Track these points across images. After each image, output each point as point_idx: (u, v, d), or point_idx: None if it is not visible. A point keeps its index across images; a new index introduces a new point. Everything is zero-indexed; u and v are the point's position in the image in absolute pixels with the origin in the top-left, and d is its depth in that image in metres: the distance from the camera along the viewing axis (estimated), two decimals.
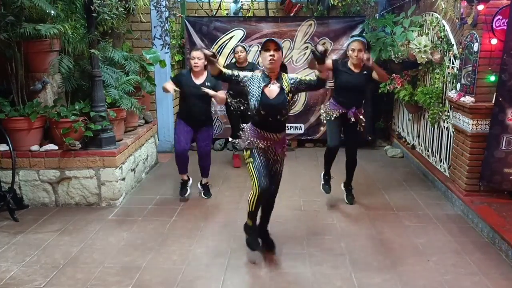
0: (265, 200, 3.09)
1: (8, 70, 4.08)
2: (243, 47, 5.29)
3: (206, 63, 4.06)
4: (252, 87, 2.98)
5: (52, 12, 3.92)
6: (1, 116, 3.98)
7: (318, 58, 2.76)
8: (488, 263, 3.14)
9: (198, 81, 4.14)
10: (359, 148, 4.26)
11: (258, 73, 3.05)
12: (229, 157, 5.89)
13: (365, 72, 3.89)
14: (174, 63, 6.35)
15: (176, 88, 4.10)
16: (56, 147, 4.20)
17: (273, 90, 2.96)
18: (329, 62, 3.94)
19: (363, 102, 4.08)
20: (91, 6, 3.85)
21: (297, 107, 6.47)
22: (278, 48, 2.88)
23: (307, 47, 6.38)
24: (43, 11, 3.91)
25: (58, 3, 4.21)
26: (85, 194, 4.24)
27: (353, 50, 3.82)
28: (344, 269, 3.08)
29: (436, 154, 4.98)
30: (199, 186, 4.54)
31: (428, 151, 5.27)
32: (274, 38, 2.92)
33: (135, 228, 3.77)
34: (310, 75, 3.09)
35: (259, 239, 3.29)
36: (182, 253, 3.32)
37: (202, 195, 4.47)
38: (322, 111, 4.19)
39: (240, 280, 2.96)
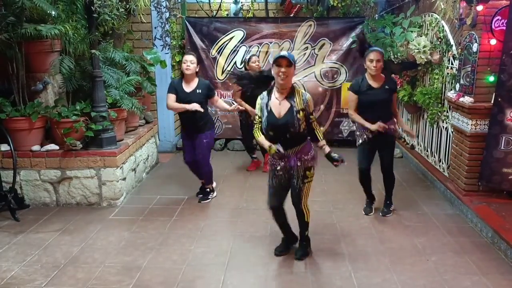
0: (277, 215, 3.14)
1: (9, 71, 4.09)
2: (258, 56, 5.19)
3: (197, 69, 4.08)
4: (263, 110, 2.94)
5: (53, 12, 3.94)
6: (2, 116, 4.00)
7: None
8: (487, 263, 3.15)
9: (189, 88, 4.07)
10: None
11: (265, 92, 2.99)
12: (229, 157, 5.89)
13: (387, 86, 3.72)
14: (174, 63, 6.36)
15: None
16: (57, 147, 4.22)
17: (282, 107, 2.88)
18: (353, 97, 3.79)
19: (391, 113, 3.83)
20: (92, 7, 3.87)
21: None
22: (290, 64, 2.80)
23: (307, 48, 6.39)
24: (44, 11, 3.92)
25: (59, 4, 4.22)
26: (86, 194, 4.25)
27: (371, 60, 3.63)
28: (344, 269, 3.09)
29: (436, 154, 5.00)
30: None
31: (427, 151, 5.28)
32: (286, 55, 2.80)
33: (136, 228, 3.78)
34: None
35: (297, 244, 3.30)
36: (182, 253, 3.33)
37: (199, 199, 4.41)
38: (356, 132, 3.96)
39: (240, 280, 2.97)
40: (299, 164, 2.96)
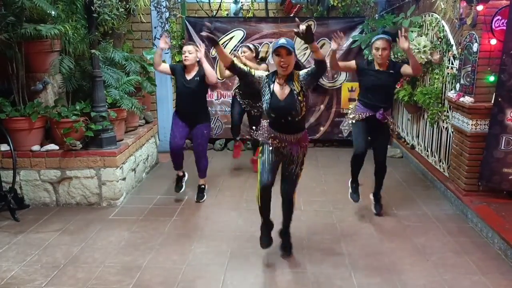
0: (266, 195, 3.00)
1: (9, 71, 4.09)
2: (248, 46, 4.99)
3: (198, 58, 4.05)
4: (265, 89, 2.93)
5: (53, 12, 3.94)
6: (2, 116, 3.99)
7: (303, 38, 2.63)
8: (487, 263, 3.15)
9: (189, 76, 4.10)
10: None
11: (270, 72, 2.98)
12: (229, 157, 5.88)
13: (391, 71, 3.66)
14: (174, 63, 6.35)
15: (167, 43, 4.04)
16: (57, 147, 4.21)
17: (284, 91, 2.89)
18: (352, 62, 3.85)
19: (391, 103, 3.80)
20: (92, 7, 3.87)
21: None
22: (290, 52, 2.78)
23: (307, 48, 6.39)
24: (44, 11, 3.92)
25: (58, 4, 4.22)
26: (86, 194, 4.25)
27: (377, 49, 3.59)
28: (344, 269, 3.09)
29: (436, 154, 4.99)
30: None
31: (427, 151, 5.28)
32: (285, 44, 2.76)
33: (136, 228, 3.78)
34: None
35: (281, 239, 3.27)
36: (182, 253, 3.33)
37: (195, 197, 4.38)
38: (349, 114, 3.95)
39: (240, 280, 2.97)
40: (299, 150, 3.01)
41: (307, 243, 3.48)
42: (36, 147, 4.18)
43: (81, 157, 4.17)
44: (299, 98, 2.87)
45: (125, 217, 4.03)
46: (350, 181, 4.08)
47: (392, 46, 3.84)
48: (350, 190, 4.08)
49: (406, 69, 3.62)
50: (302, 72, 2.91)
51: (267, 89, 2.92)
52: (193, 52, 4.03)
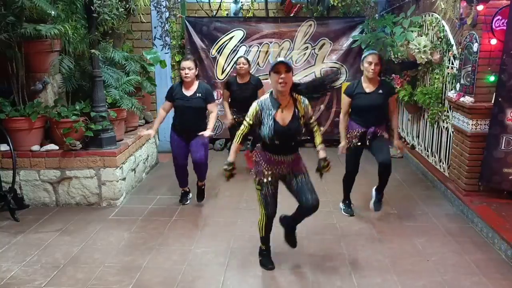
0: (271, 225, 3.05)
1: (8, 70, 4.09)
2: (247, 59, 4.98)
3: (197, 73, 3.98)
4: (264, 117, 2.83)
5: (53, 12, 3.93)
6: (1, 116, 3.99)
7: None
8: (487, 263, 3.15)
9: (189, 92, 3.98)
10: None
11: (266, 97, 2.88)
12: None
13: (380, 91, 3.67)
14: (174, 63, 6.36)
15: (151, 135, 4.13)
16: (57, 147, 4.21)
17: (285, 115, 2.82)
18: (346, 100, 3.79)
19: (385, 119, 3.80)
20: (92, 7, 3.87)
21: None
22: (289, 69, 2.73)
23: (307, 47, 6.39)
24: (44, 11, 3.92)
25: (58, 4, 4.21)
26: (86, 194, 4.25)
27: (369, 63, 3.59)
28: (344, 269, 3.08)
29: (436, 154, 4.99)
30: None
31: (427, 151, 5.28)
32: (284, 60, 2.74)
33: (136, 228, 3.78)
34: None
35: (285, 231, 3.22)
36: (182, 253, 3.33)
37: (195, 198, 4.34)
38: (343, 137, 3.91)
39: (240, 280, 2.97)
40: (300, 163, 2.99)
41: (307, 243, 3.47)
42: (36, 147, 4.18)
43: (81, 157, 4.17)
44: (301, 121, 2.85)
45: (125, 217, 4.03)
46: (342, 200, 4.14)
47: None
48: (343, 207, 4.12)
49: (391, 102, 3.75)
50: (307, 103, 2.90)
51: (267, 116, 2.82)
52: (193, 68, 3.91)
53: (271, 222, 3.02)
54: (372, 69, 3.59)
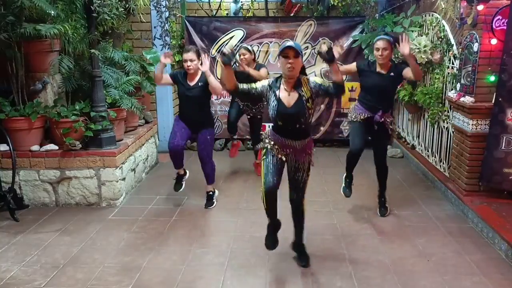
0: (272, 197, 2.91)
1: (8, 70, 4.08)
2: (247, 48, 4.81)
3: (200, 63, 3.89)
4: (270, 96, 2.85)
5: (52, 12, 3.93)
6: (1, 116, 3.99)
7: (326, 59, 2.66)
8: (488, 263, 3.14)
9: (192, 82, 3.99)
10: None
11: (275, 78, 2.88)
12: (229, 157, 5.86)
13: (392, 73, 3.66)
14: (174, 63, 6.35)
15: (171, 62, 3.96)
16: (57, 147, 4.21)
17: (291, 97, 2.80)
18: (353, 65, 3.83)
19: (391, 105, 3.82)
20: (91, 6, 3.86)
21: None
22: (297, 54, 2.69)
23: (307, 47, 6.38)
24: (43, 11, 3.91)
25: (58, 3, 4.21)
26: (86, 194, 4.24)
27: (377, 49, 3.60)
28: (344, 270, 3.08)
29: (436, 154, 4.99)
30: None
31: (428, 151, 5.27)
32: (293, 45, 2.68)
33: (135, 228, 3.77)
34: (310, 75, 2.96)
35: (295, 253, 3.21)
36: (182, 253, 3.32)
37: (204, 205, 4.26)
38: (349, 113, 3.98)
39: (240, 280, 2.96)
40: (305, 157, 2.95)
41: (308, 243, 3.45)
42: (35, 147, 4.17)
43: (80, 157, 4.17)
44: (308, 104, 2.80)
45: (124, 217, 4.03)
46: (344, 175, 4.07)
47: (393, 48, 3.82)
48: (343, 184, 4.07)
49: (408, 73, 3.58)
50: (315, 80, 2.84)
51: (273, 96, 2.83)
52: (194, 59, 3.87)
53: (270, 195, 2.89)
54: (380, 55, 3.61)
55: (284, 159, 2.92)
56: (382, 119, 3.74)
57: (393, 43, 3.70)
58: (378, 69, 3.72)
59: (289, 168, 3.00)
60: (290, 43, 2.74)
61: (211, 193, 4.30)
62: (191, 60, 3.87)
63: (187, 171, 4.39)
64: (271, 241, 3.11)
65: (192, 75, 3.99)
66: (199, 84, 3.97)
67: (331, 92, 2.79)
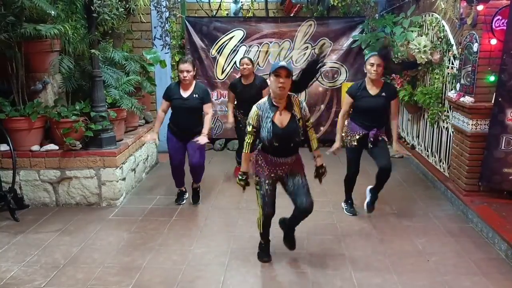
0: (269, 223, 3.10)
1: (8, 70, 4.08)
2: (250, 59, 4.83)
3: (194, 73, 4.00)
4: (263, 119, 2.87)
5: (53, 12, 3.93)
6: (1, 116, 3.99)
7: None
8: (488, 263, 3.14)
9: (186, 93, 4.00)
10: None
11: (264, 101, 2.91)
12: (229, 157, 5.88)
13: (383, 94, 3.67)
14: (174, 63, 6.35)
15: (157, 140, 4.20)
16: (57, 147, 4.21)
17: (284, 117, 2.85)
18: (348, 98, 3.78)
19: (385, 122, 3.82)
20: (92, 7, 3.86)
21: None
22: (289, 74, 2.75)
23: (307, 47, 6.39)
24: (44, 11, 3.92)
25: (58, 4, 4.21)
26: (86, 194, 4.24)
27: (371, 64, 3.59)
28: (344, 269, 3.08)
29: (436, 154, 4.99)
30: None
31: (427, 151, 5.28)
32: (286, 65, 2.74)
33: (135, 228, 3.77)
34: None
35: (283, 233, 3.27)
36: (182, 253, 3.32)
37: (191, 200, 4.34)
38: (344, 136, 3.94)
39: (240, 280, 2.97)
40: (299, 166, 3.02)
41: (308, 243, 3.47)
42: (35, 147, 4.18)
43: (80, 157, 4.17)
44: (299, 124, 2.88)
45: (124, 217, 4.03)
46: (344, 200, 4.14)
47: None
48: (345, 207, 4.12)
49: (393, 105, 3.72)
50: (305, 107, 2.96)
51: (266, 119, 2.85)
52: (191, 70, 3.94)
53: (268, 221, 3.07)
54: (374, 70, 3.59)
55: (275, 179, 2.99)
56: (375, 137, 3.72)
57: (384, 59, 3.69)
58: (369, 88, 3.69)
59: (288, 182, 3.00)
60: (282, 63, 2.78)
61: (198, 189, 4.38)
62: (187, 71, 3.92)
63: (187, 192, 4.43)
64: (267, 257, 3.21)
65: (186, 86, 4.02)
66: (194, 95, 4.01)
67: (305, 130, 2.96)
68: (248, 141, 2.93)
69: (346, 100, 3.85)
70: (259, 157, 2.97)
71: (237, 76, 5.16)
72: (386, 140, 3.81)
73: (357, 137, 3.77)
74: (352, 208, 4.08)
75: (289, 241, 3.24)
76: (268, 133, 2.83)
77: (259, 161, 2.97)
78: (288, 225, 3.21)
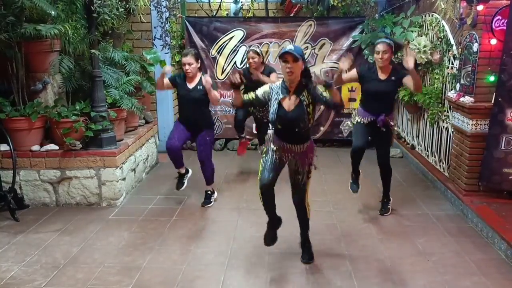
0: (267, 194, 2.95)
1: (8, 70, 4.08)
2: (256, 51, 4.70)
3: (199, 65, 4.02)
4: (272, 100, 2.89)
5: (53, 12, 3.93)
6: (1, 116, 3.99)
7: (325, 86, 2.72)
8: (488, 263, 3.15)
9: (191, 85, 4.03)
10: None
11: (277, 84, 2.93)
12: (229, 156, 5.89)
13: (393, 78, 3.68)
14: (174, 63, 6.35)
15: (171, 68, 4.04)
16: (57, 147, 4.21)
17: (292, 102, 2.84)
18: (354, 72, 3.80)
19: (393, 108, 3.87)
20: (92, 7, 3.86)
21: None
22: (296, 59, 2.71)
23: (307, 47, 6.39)
24: (44, 11, 3.92)
25: (58, 4, 4.21)
26: (86, 194, 4.25)
27: (377, 52, 3.62)
28: (344, 269, 3.08)
29: (436, 154, 4.99)
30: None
31: (427, 151, 5.28)
32: (291, 50, 2.70)
33: (135, 228, 3.78)
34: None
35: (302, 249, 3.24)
36: (182, 253, 3.33)
37: (201, 203, 4.31)
38: (352, 116, 4.01)
39: (240, 280, 2.97)
40: (305, 162, 2.98)
41: None
42: (36, 147, 4.18)
43: (80, 157, 4.17)
44: (308, 109, 2.83)
45: (125, 217, 4.03)
46: (351, 172, 4.10)
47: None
48: (350, 180, 4.11)
49: (408, 82, 3.60)
50: (317, 90, 2.82)
51: (274, 100, 2.88)
52: (193, 63, 3.94)
53: (266, 190, 2.92)
54: (381, 58, 3.63)
55: (284, 160, 2.98)
56: (385, 122, 3.75)
57: (393, 47, 3.70)
58: (379, 73, 3.73)
59: (290, 171, 3.05)
60: (289, 47, 2.76)
61: (209, 192, 4.34)
62: (189, 64, 3.93)
63: (189, 169, 4.40)
64: (270, 238, 3.14)
65: (191, 78, 4.04)
66: (198, 87, 4.01)
67: (329, 104, 2.82)
68: (248, 96, 2.97)
69: (351, 73, 3.82)
70: (273, 138, 2.99)
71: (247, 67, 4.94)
72: (393, 125, 3.85)
73: (366, 122, 3.81)
74: (355, 184, 4.04)
75: (303, 254, 3.22)
76: (273, 114, 2.86)
77: (273, 141, 2.98)
78: (301, 233, 3.21)
